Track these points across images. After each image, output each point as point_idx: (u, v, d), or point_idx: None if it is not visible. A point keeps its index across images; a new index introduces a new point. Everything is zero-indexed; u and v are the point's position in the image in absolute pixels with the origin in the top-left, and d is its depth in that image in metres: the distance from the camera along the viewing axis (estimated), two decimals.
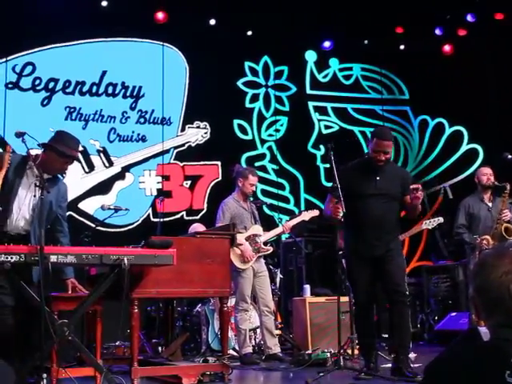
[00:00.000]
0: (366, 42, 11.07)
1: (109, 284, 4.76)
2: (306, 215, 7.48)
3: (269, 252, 7.31)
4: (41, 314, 4.44)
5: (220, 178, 9.92)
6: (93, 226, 8.92)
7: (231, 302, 7.06)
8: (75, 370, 5.02)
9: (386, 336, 7.80)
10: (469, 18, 10.60)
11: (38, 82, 9.01)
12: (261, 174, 10.22)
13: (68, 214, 8.55)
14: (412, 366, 5.50)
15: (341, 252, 7.63)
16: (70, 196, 8.78)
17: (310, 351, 6.76)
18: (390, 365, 5.70)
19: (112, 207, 6.72)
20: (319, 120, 10.94)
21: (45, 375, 4.56)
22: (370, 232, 5.53)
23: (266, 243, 7.17)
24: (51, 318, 4.55)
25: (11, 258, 4.45)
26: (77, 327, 5.32)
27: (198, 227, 8.18)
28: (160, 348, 7.04)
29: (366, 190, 5.56)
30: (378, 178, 5.60)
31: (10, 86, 8.84)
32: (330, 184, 6.17)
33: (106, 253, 4.69)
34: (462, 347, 1.86)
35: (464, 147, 11.04)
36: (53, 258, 4.54)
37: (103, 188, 9.26)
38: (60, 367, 4.85)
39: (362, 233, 5.57)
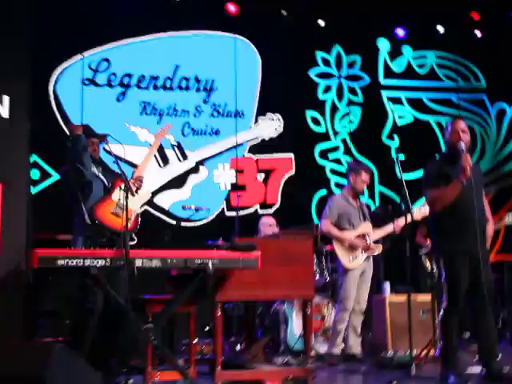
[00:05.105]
0: (440, 28, 10.76)
1: (193, 288, 4.74)
2: (417, 214, 6.71)
3: (378, 252, 7.06)
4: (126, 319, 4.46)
5: (294, 172, 9.80)
6: (169, 220, 8.98)
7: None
8: (166, 373, 5.02)
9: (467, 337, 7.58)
10: None
11: (113, 77, 9.07)
12: (335, 166, 10.11)
13: (144, 208, 8.65)
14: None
15: (423, 249, 7.37)
16: None
17: (390, 352, 6.62)
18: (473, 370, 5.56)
19: (193, 207, 6.69)
20: (393, 110, 10.70)
21: (131, 381, 4.57)
22: (474, 229, 5.11)
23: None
24: (137, 323, 4.55)
25: (97, 262, 4.46)
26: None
27: (268, 220, 8.11)
28: (238, 346, 6.99)
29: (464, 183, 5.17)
30: None
31: (86, 82, 8.92)
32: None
33: (191, 256, 4.66)
34: None
35: None
36: (138, 263, 4.54)
37: (177, 182, 9.26)
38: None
39: (466, 229, 5.17)
